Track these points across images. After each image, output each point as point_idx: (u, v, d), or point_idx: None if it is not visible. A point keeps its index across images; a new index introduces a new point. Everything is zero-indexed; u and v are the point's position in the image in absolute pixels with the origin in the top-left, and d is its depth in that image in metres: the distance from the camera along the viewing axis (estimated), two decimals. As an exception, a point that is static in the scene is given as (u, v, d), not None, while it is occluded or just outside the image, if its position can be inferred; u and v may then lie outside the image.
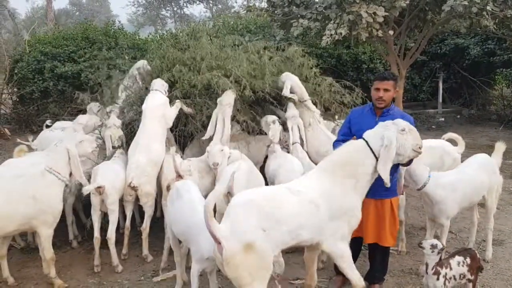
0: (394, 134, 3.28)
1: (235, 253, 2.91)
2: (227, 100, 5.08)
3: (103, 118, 5.69)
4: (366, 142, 3.33)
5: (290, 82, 5.57)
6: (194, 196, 3.85)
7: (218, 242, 2.93)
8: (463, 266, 3.69)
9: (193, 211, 3.63)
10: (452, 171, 4.46)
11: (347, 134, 3.99)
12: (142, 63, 6.15)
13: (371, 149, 3.30)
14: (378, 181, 3.38)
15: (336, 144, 4.06)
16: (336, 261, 3.43)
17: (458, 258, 3.72)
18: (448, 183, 4.18)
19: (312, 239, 3.26)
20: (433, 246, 3.60)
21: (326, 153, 5.22)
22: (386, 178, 3.26)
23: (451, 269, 3.65)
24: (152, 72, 5.92)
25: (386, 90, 3.75)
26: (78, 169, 4.23)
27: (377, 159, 3.28)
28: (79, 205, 5.48)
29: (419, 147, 3.36)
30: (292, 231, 3.13)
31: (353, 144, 3.42)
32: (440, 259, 3.65)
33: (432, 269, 3.61)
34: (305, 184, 3.33)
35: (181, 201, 3.80)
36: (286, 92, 5.47)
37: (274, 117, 5.43)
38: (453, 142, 5.23)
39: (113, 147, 5.08)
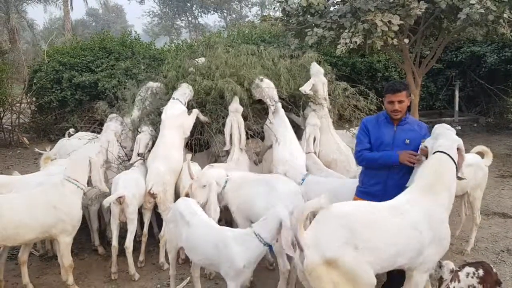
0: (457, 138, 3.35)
1: (316, 265, 2.79)
2: (234, 106, 5.13)
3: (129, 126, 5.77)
4: (443, 152, 3.27)
5: (315, 80, 5.51)
6: (202, 215, 3.73)
7: (301, 249, 2.83)
8: (472, 277, 3.62)
9: (213, 230, 3.54)
10: None
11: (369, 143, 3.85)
12: (155, 85, 6.06)
13: (451, 157, 3.26)
14: (397, 189, 3.38)
15: (367, 155, 3.76)
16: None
17: (468, 269, 3.67)
18: None
19: (405, 265, 3.10)
20: (451, 271, 3.56)
21: (333, 160, 5.24)
22: None
23: (459, 281, 3.59)
24: (167, 82, 5.98)
25: (400, 101, 3.70)
26: (99, 177, 4.37)
27: (456, 166, 3.29)
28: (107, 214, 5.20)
29: None
30: (387, 259, 2.96)
31: (436, 157, 3.30)
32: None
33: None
34: (406, 203, 3.15)
35: (193, 227, 3.59)
36: (306, 88, 5.37)
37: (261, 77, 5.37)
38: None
39: (139, 154, 5.15)
